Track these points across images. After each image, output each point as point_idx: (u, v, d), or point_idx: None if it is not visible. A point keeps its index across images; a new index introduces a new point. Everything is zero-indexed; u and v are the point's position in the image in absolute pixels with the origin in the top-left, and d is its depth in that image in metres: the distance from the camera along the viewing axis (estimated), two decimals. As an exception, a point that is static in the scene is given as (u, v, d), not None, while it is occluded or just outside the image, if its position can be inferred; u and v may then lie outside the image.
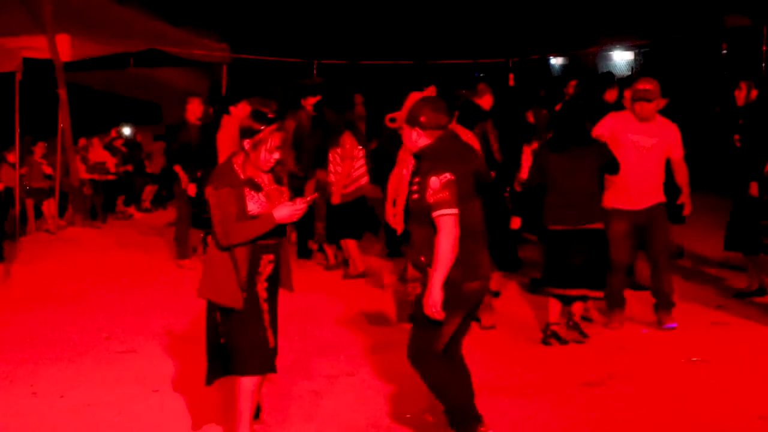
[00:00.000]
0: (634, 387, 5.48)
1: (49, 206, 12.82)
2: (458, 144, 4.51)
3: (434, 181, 4.23)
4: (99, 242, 11.61)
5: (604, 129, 6.83)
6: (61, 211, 13.01)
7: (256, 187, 4.33)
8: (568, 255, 6.43)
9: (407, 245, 4.63)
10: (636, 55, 21.78)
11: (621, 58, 21.85)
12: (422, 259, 4.33)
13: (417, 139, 4.41)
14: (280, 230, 4.42)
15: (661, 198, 6.85)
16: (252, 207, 4.28)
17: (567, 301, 6.59)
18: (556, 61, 21.83)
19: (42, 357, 6.27)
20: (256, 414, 4.66)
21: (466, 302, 4.38)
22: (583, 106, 6.79)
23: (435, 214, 4.21)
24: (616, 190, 6.75)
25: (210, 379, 4.55)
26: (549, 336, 6.56)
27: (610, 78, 9.10)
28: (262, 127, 4.28)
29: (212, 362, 4.54)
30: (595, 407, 5.15)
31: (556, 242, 6.49)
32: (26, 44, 11.87)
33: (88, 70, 14.38)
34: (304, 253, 9.86)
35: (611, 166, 6.52)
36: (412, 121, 4.42)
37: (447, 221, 4.20)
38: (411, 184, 4.44)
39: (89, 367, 6.03)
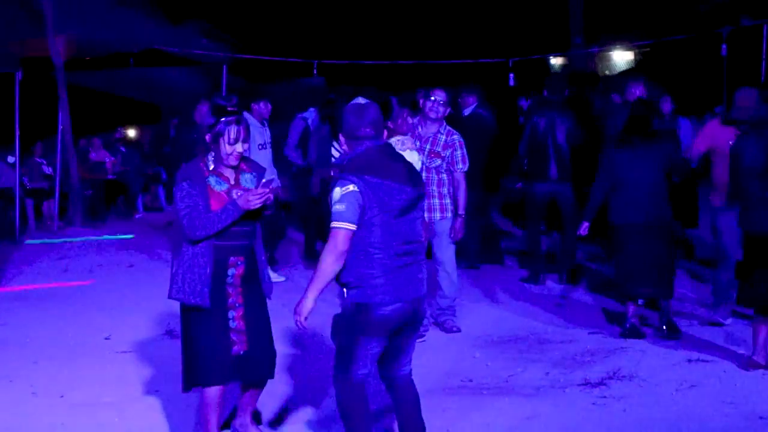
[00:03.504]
0: (634, 387, 5.48)
1: (49, 206, 12.83)
2: (384, 157, 4.06)
3: (336, 191, 3.93)
4: (99, 242, 11.61)
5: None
6: (61, 211, 13.01)
7: (220, 184, 4.33)
8: (636, 251, 6.41)
9: None
10: (636, 55, 21.78)
11: (621, 58, 21.85)
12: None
13: (343, 146, 4.18)
14: (249, 234, 4.36)
15: None
16: (214, 203, 4.26)
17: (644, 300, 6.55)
18: (555, 61, 21.83)
19: (42, 357, 6.27)
20: (258, 420, 4.61)
21: (376, 327, 4.01)
22: (647, 102, 6.77)
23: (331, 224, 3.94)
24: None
25: (188, 385, 4.45)
26: (628, 330, 6.53)
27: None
28: (221, 120, 4.29)
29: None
30: (595, 407, 5.15)
31: (623, 239, 6.48)
32: (26, 44, 11.88)
33: (88, 70, 14.39)
34: (312, 254, 9.81)
35: (678, 169, 6.52)
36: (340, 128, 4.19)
37: (336, 234, 3.91)
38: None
39: (89, 367, 6.02)
